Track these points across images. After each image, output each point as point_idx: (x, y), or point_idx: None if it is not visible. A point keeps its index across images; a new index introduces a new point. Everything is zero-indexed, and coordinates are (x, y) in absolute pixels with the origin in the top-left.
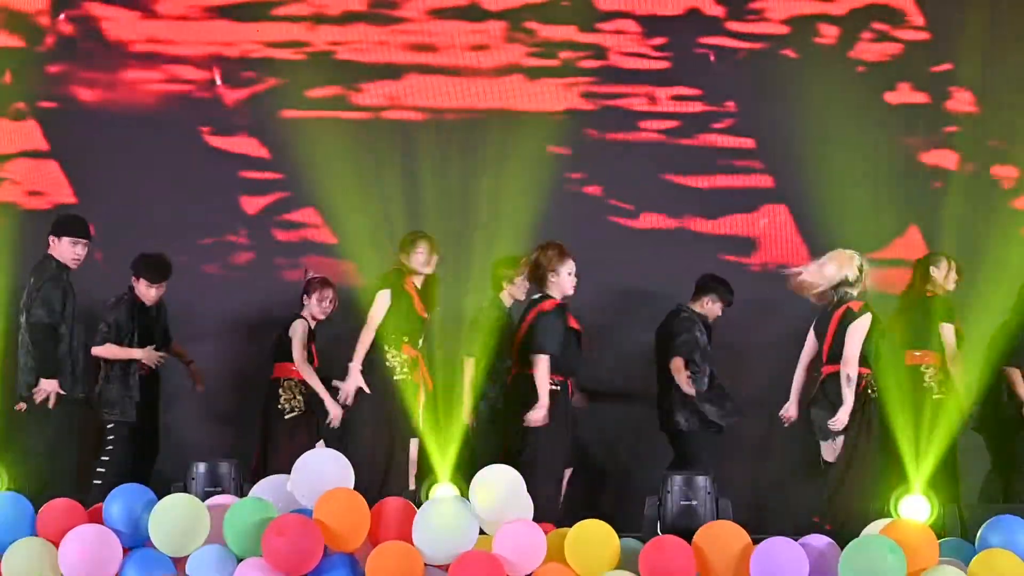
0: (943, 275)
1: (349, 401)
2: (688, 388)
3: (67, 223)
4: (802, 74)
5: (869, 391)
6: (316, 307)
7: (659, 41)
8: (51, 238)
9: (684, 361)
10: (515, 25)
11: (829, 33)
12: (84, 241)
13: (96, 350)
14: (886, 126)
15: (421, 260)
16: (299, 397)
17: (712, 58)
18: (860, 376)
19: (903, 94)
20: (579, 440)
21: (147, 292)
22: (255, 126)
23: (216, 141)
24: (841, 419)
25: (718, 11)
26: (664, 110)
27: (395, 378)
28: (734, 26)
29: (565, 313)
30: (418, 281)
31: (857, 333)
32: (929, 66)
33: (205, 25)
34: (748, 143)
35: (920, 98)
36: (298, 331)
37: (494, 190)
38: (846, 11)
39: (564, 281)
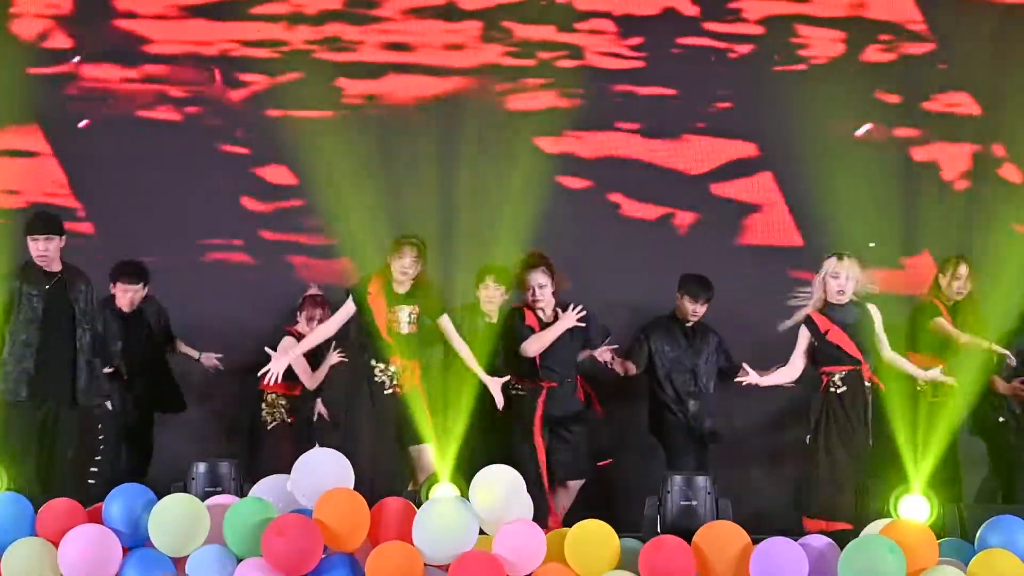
0: (946, 281)
1: (270, 382)
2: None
3: (27, 221)
4: (787, 75)
5: (831, 388)
6: (304, 325)
7: (635, 41)
8: None
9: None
10: (492, 25)
11: (805, 34)
12: (41, 236)
13: None
14: (880, 125)
15: (398, 266)
16: (280, 410)
17: (713, 59)
18: (822, 373)
19: (890, 93)
20: (575, 441)
21: (122, 297)
22: (250, 126)
23: (214, 142)
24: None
25: (694, 11)
26: (640, 110)
27: (385, 393)
28: (711, 26)
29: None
30: (399, 287)
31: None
32: (926, 67)
33: (194, 25)
34: (728, 143)
35: (915, 98)
36: (281, 344)
37: (473, 190)
38: (824, 12)
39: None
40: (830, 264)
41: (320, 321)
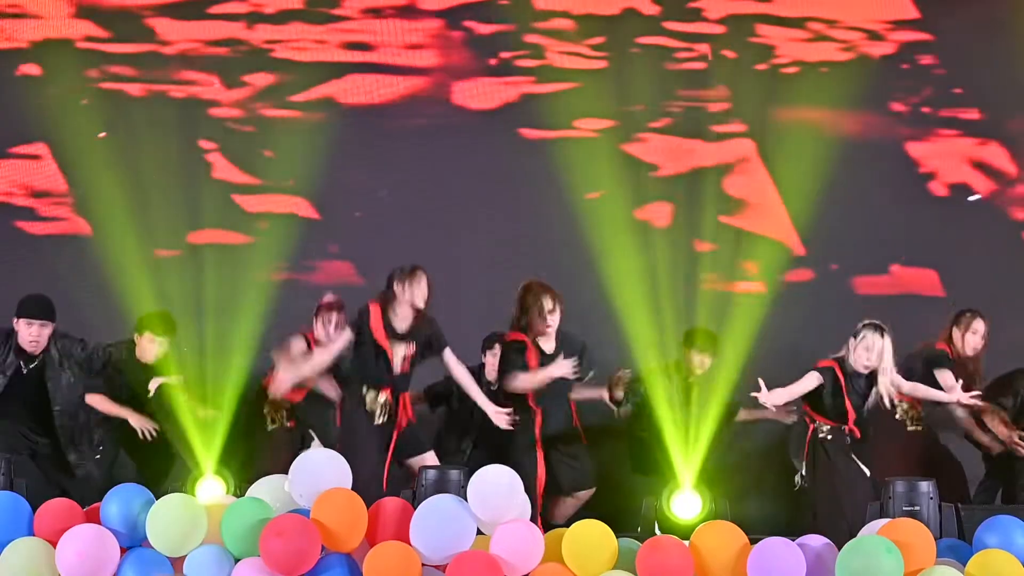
0: (960, 335)
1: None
2: None
3: (22, 304)
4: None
5: (818, 434)
6: (321, 330)
7: (596, 40)
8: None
9: None
10: (452, 24)
11: (766, 33)
12: (37, 322)
13: (89, 398)
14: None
15: (418, 294)
16: (283, 412)
17: (709, 56)
18: (813, 419)
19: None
20: (578, 454)
21: (150, 347)
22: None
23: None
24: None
25: (655, 10)
26: (602, 109)
27: (375, 423)
28: (671, 25)
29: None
30: (400, 323)
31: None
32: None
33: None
34: (691, 143)
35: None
36: (292, 348)
37: (437, 190)
38: (785, 12)
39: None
40: (869, 337)
41: (336, 326)
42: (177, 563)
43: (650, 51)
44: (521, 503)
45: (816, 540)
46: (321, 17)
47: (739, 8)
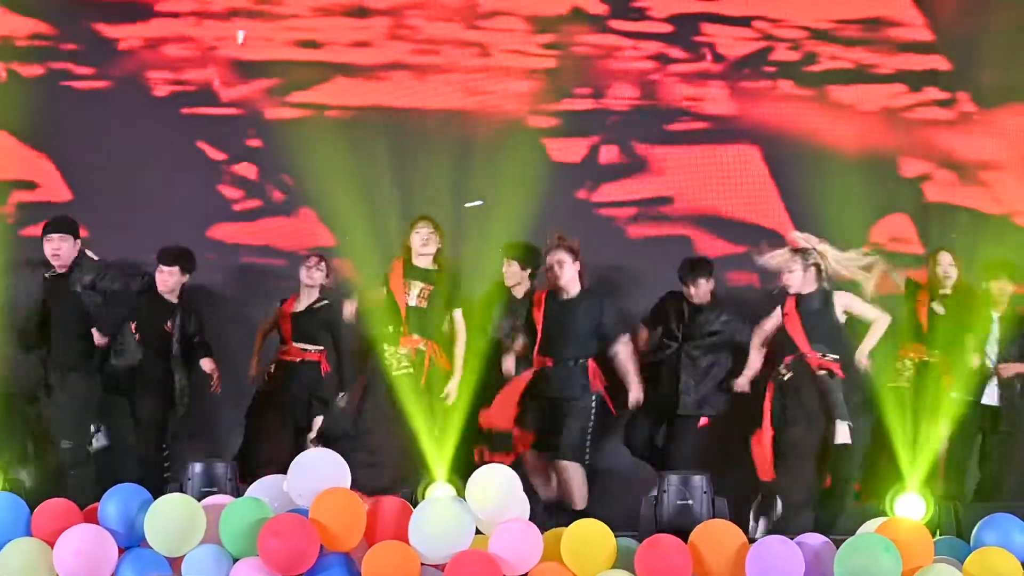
0: (941, 270)
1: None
2: None
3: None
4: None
5: (782, 375)
6: (304, 275)
7: (544, 39)
8: None
9: None
10: (399, 22)
11: (711, 32)
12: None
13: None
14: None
15: (417, 239)
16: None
17: (711, 57)
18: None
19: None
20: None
21: (168, 279)
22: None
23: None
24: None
25: (601, 9)
26: (550, 108)
27: (394, 374)
28: (617, 24)
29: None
30: (419, 260)
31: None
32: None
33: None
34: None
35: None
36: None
37: (387, 189)
38: (730, 11)
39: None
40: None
41: (317, 268)
42: (176, 563)
43: (597, 50)
44: (520, 502)
45: (815, 539)
46: (267, 15)
47: (684, 7)
